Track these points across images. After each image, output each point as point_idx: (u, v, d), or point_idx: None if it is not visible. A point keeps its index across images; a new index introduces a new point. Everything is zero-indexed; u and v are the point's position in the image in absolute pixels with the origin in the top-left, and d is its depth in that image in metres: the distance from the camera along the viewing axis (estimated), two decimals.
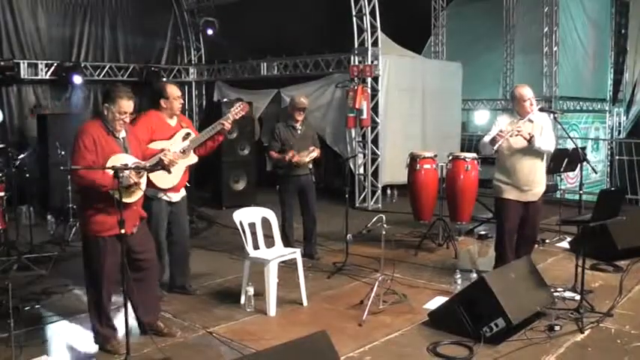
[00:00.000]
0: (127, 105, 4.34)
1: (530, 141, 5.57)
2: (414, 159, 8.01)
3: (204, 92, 14.14)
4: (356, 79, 10.48)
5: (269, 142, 7.17)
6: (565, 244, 7.82)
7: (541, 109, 5.92)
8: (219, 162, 10.52)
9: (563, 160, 8.05)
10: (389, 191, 11.55)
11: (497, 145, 5.64)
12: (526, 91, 5.80)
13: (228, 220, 8.87)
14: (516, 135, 5.64)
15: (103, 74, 12.06)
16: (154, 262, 4.74)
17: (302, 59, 11.82)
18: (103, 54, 12.19)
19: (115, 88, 4.36)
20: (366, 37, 10.47)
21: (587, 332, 4.85)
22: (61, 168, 4.63)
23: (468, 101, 14.38)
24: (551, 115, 6.15)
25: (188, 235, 5.86)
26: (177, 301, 5.65)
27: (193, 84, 14.02)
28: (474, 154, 7.98)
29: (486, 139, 5.74)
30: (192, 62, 13.98)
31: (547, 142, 5.67)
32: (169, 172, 4.94)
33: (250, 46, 12.44)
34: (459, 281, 5.97)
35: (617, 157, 13.98)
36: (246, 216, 5.68)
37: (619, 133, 15.85)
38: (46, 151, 9.41)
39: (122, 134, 4.44)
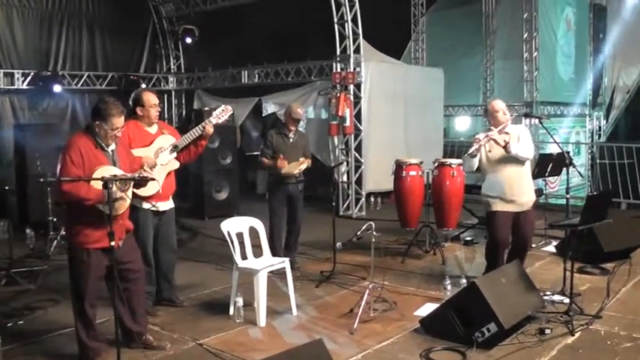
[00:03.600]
0: (119, 121, 4.34)
1: (505, 148, 5.62)
2: (399, 166, 8.06)
3: (183, 101, 14.11)
4: (338, 86, 10.52)
5: (261, 149, 7.18)
6: (551, 248, 7.90)
7: (526, 115, 6.08)
8: (200, 171, 10.47)
9: (548, 164, 8.13)
10: (373, 199, 11.59)
11: (476, 155, 5.70)
12: (496, 103, 5.90)
13: (211, 231, 9.00)
14: (489, 141, 5.70)
15: (81, 83, 11.99)
16: (141, 272, 4.71)
17: (283, 67, 11.84)
18: (80, 63, 12.10)
19: (105, 104, 4.32)
20: (348, 44, 10.54)
21: (577, 334, 4.93)
22: (40, 180, 4.59)
23: (448, 107, 14.49)
24: (534, 120, 6.22)
25: (176, 247, 5.82)
26: (166, 314, 5.63)
27: (173, 93, 14.01)
28: (460, 160, 7.95)
29: (465, 156, 5.83)
30: (172, 70, 13.96)
31: (524, 149, 5.71)
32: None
33: (231, 54, 12.45)
34: (449, 287, 6.01)
35: (598, 161, 14.15)
36: (234, 226, 5.67)
37: (599, 137, 16.03)
38: (24, 163, 9.26)
39: (112, 147, 4.43)
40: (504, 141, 5.64)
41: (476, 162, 5.79)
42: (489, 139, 5.69)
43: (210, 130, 5.48)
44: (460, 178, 7.83)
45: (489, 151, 5.79)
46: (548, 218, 8.17)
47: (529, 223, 5.90)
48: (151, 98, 5.44)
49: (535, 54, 12.89)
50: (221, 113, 5.59)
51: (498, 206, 5.81)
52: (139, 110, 5.38)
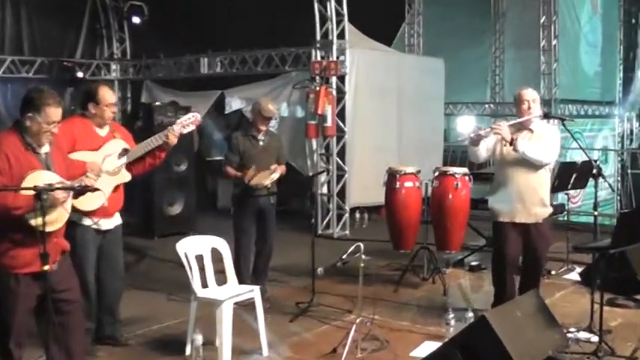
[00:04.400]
0: (56, 113, 4.26)
1: (511, 143, 5.80)
2: (392, 176, 8.10)
3: (129, 94, 14.07)
4: (318, 78, 10.54)
5: (224, 154, 7.16)
6: (575, 276, 7.98)
7: (546, 115, 6.15)
8: (149, 180, 10.30)
9: (571, 175, 8.21)
10: (358, 214, 11.63)
11: (476, 144, 5.91)
12: (525, 92, 6.06)
13: (163, 253, 8.96)
14: (493, 133, 5.89)
15: (2, 70, 11.90)
16: (79, 303, 4.63)
17: (252, 54, 11.83)
18: (2, 45, 12.01)
19: (40, 93, 4.25)
20: (330, 28, 10.58)
21: None
22: None
23: (449, 105, 14.58)
24: (556, 122, 6.32)
25: (122, 273, 5.77)
26: (107, 355, 5.54)
27: (116, 83, 13.90)
28: (465, 169, 8.11)
29: (469, 141, 6.01)
30: (115, 56, 13.91)
31: (538, 150, 5.85)
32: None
33: (188, 38, 12.44)
34: (452, 322, 6.01)
35: (629, 171, 14.39)
36: (193, 247, 5.65)
37: (631, 142, 16.24)
38: None
39: (45, 148, 4.34)
40: (511, 136, 5.80)
41: (481, 152, 5.99)
42: (493, 131, 5.89)
43: (173, 140, 5.45)
44: (465, 191, 7.88)
45: (505, 145, 5.95)
46: (571, 239, 8.22)
47: (543, 239, 6.03)
48: (107, 95, 5.42)
49: (554, 42, 12.98)
50: (188, 121, 5.55)
51: (505, 216, 5.98)
52: (91, 107, 5.35)
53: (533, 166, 5.89)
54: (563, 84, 13.22)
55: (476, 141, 5.92)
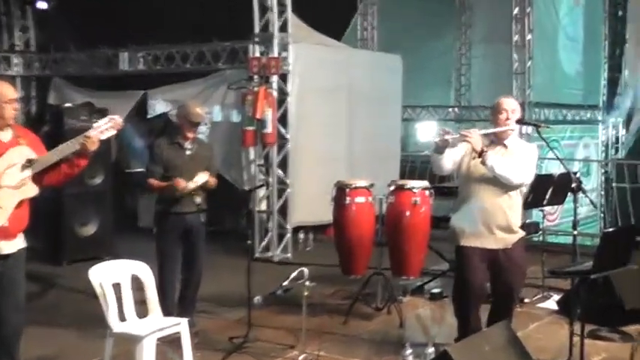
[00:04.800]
0: None
1: (480, 155, 5.80)
2: (341, 190, 8.15)
3: (33, 93, 13.95)
4: (257, 77, 10.60)
5: (146, 165, 7.15)
6: (552, 304, 8.04)
7: (519, 121, 6.17)
8: (58, 196, 10.18)
9: (547, 189, 8.28)
10: (302, 235, 11.71)
11: (441, 151, 5.87)
12: (505, 101, 6.08)
13: (73, 281, 8.78)
14: (462, 140, 5.91)
15: None
16: None
17: (179, 49, 11.86)
18: None
19: None
20: (271, 19, 10.64)
21: None
22: None
23: (407, 109, 14.69)
24: (527, 129, 6.36)
25: (23, 306, 5.52)
26: None
27: (18, 80, 13.68)
28: (425, 183, 8.20)
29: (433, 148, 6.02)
30: (16, 48, 13.77)
31: (510, 168, 5.84)
32: None
33: (104, 29, 12.36)
34: (410, 358, 6.09)
35: (615, 185, 14.56)
36: (109, 274, 5.60)
37: (616, 152, 16.44)
38: None
39: None
40: (482, 147, 5.80)
41: (446, 163, 5.97)
42: (462, 138, 5.88)
43: (91, 146, 5.24)
44: (425, 208, 7.96)
45: (473, 158, 5.97)
46: (548, 263, 8.28)
47: (515, 266, 6.02)
48: (6, 90, 5.26)
49: (528, 37, 13.13)
50: (107, 126, 5.32)
51: (469, 239, 5.99)
52: None
53: (503, 185, 5.88)
54: (539, 85, 13.35)
55: (441, 148, 5.87)
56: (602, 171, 15.84)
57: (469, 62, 14.97)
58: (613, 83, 16.34)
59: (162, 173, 7.00)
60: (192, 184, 6.88)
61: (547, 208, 9.28)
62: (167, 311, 6.54)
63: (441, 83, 15.36)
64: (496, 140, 6.00)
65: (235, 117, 11.75)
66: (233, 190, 10.95)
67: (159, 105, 12.52)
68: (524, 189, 6.43)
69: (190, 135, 7.08)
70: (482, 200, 5.95)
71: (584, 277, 5.51)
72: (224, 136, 11.73)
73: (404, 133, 14.74)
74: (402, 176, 12.70)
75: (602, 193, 15.61)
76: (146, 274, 5.87)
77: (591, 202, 7.55)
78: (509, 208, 5.99)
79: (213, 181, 7.16)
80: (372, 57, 13.43)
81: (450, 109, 15.41)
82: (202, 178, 6.93)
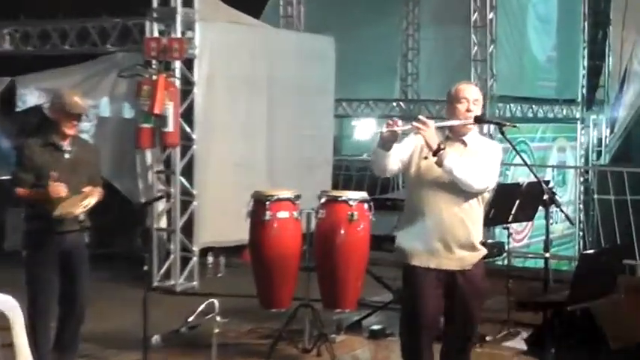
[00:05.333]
0: None
1: (436, 153, 5.71)
2: (260, 203, 8.19)
3: None
4: (155, 62, 10.61)
5: (13, 171, 7.02)
6: (519, 343, 8.10)
7: (477, 119, 6.07)
8: None
9: (513, 202, 8.38)
10: (211, 259, 11.79)
11: (387, 145, 5.75)
12: (466, 88, 6.06)
13: None
14: (414, 133, 5.84)
15: None
16: None
17: (57, 25, 11.78)
18: None
19: None
20: None
21: None
22: None
23: (342, 103, 14.84)
24: (489, 128, 6.40)
25: None
26: None
27: None
28: (363, 194, 8.30)
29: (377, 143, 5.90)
30: None
31: (471, 171, 5.79)
32: None
33: None
34: None
35: (596, 196, 14.98)
36: None
37: (598, 157, 16.78)
38: None
39: None
40: (439, 144, 5.72)
41: (391, 162, 5.87)
42: (417, 129, 5.74)
43: None
44: (364, 225, 8.06)
45: (425, 157, 5.91)
46: (514, 292, 8.37)
47: (476, 292, 6.02)
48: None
49: (490, 16, 13.38)
50: None
51: (419, 259, 5.95)
52: None
53: (462, 192, 5.83)
54: (504, 74, 13.57)
55: (388, 142, 5.73)
56: (581, 180, 16.12)
57: (417, 46, 15.12)
58: (594, 73, 16.59)
59: (34, 182, 6.84)
60: (79, 209, 6.80)
61: (513, 226, 9.36)
62: (40, 355, 6.52)
63: (383, 72, 15.50)
64: (453, 136, 5.96)
65: (128, 112, 11.72)
66: (125, 202, 10.93)
67: (30, 96, 12.26)
68: (487, 196, 6.35)
69: (69, 132, 6.95)
70: (438, 210, 5.89)
71: (558, 309, 5.55)
72: (113, 135, 11.68)
73: (338, 132, 14.84)
74: (336, 186, 12.84)
75: (581, 206, 15.85)
76: (13, 309, 5.74)
77: (567, 217, 7.61)
78: (471, 220, 5.97)
79: (99, 193, 7.03)
80: (299, 39, 13.40)
81: (395, 104, 15.56)
82: (90, 201, 6.84)
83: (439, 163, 5.72)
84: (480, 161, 5.86)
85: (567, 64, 16.22)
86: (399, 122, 5.74)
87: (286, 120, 12.16)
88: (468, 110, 5.91)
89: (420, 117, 5.86)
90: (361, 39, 14.75)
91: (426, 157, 5.87)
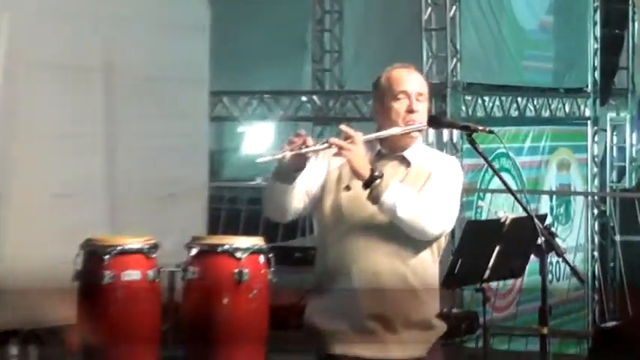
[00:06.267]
0: None
1: (370, 183, 5.53)
2: (94, 257, 8.34)
3: None
4: None
5: None
6: None
7: (434, 122, 6.14)
8: None
9: (491, 250, 8.36)
10: (16, 348, 11.31)
11: (287, 173, 5.63)
12: (402, 76, 5.94)
13: None
14: (335, 154, 5.70)
15: None
16: None
17: None
18: None
19: None
20: None
21: None
22: None
23: (222, 98, 14.97)
24: (452, 135, 6.17)
25: None
26: None
27: None
28: (257, 240, 8.67)
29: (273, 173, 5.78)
30: None
31: (421, 206, 5.69)
32: None
33: None
34: None
35: (617, 238, 15.08)
36: None
37: (620, 177, 17.05)
38: None
39: None
40: (370, 167, 5.58)
41: (294, 198, 5.75)
42: (337, 147, 5.58)
43: None
44: (259, 289, 8.37)
45: (347, 188, 5.75)
46: None
47: None
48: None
49: None
50: None
51: (344, 343, 5.85)
52: None
53: (408, 240, 5.72)
54: (472, 51, 13.90)
55: (288, 170, 5.61)
56: (595, 212, 16.25)
57: (340, 9, 15.22)
58: (611, 47, 16.85)
59: None
60: None
61: (492, 286, 9.48)
62: None
63: (286, 50, 15.77)
64: (387, 151, 5.87)
65: None
66: None
67: None
68: (444, 242, 6.14)
69: None
70: (370, 268, 5.76)
71: None
72: None
73: (216, 144, 15.04)
74: (214, 227, 12.80)
75: (596, 253, 16.03)
76: None
77: (574, 272, 7.35)
78: (422, 282, 5.87)
79: None
80: (152, 7, 13.13)
81: (304, 98, 15.60)
82: None
83: (374, 199, 5.57)
84: (433, 190, 5.77)
85: (570, 34, 16.45)
86: (309, 140, 5.59)
87: (134, 125, 11.92)
88: (410, 111, 5.79)
89: (343, 127, 5.82)
90: (254, 5, 15.24)
91: (348, 188, 5.75)
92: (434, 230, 5.67)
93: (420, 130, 5.86)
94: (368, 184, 5.48)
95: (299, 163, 5.53)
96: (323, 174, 5.83)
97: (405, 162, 5.82)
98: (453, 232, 7.09)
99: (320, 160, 5.82)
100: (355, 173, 5.53)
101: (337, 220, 5.81)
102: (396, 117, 5.75)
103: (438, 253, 6.00)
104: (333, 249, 5.89)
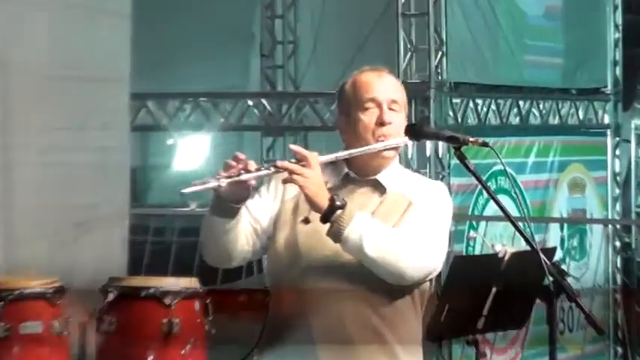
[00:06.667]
0: None
1: (328, 217, 5.45)
2: None
3: None
4: None
5: None
6: None
7: (414, 132, 6.00)
8: None
9: (486, 293, 8.11)
10: None
11: (234, 214, 5.67)
12: (371, 80, 5.99)
13: None
14: (283, 181, 5.69)
15: None
16: None
17: None
18: None
19: None
20: None
21: None
22: None
23: (147, 101, 14.97)
24: (441, 148, 5.86)
25: None
26: None
27: None
28: (192, 281, 8.77)
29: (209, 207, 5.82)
30: None
31: (396, 244, 5.62)
32: None
33: None
34: None
35: None
36: None
37: None
38: None
39: None
40: (330, 195, 5.49)
41: (236, 239, 5.77)
42: (288, 172, 5.52)
43: None
44: (193, 344, 8.46)
45: (306, 220, 5.72)
46: None
47: None
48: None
49: None
50: None
51: None
52: None
53: (382, 285, 5.72)
54: (462, 46, 14.02)
55: (225, 201, 5.51)
56: (618, 245, 16.25)
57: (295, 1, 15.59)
58: (636, 39, 17.01)
59: None
60: None
61: (488, 338, 9.48)
62: None
63: (227, 42, 15.87)
64: (357, 175, 5.97)
65: None
66: None
67: None
68: (427, 287, 6.21)
69: None
70: (333, 320, 5.76)
71: None
72: None
73: (140, 159, 15.16)
74: (137, 265, 12.76)
75: (618, 297, 16.04)
76: None
77: (590, 320, 7.03)
78: (397, 337, 5.92)
79: None
80: None
81: (251, 102, 15.72)
82: None
83: (335, 235, 5.53)
84: (414, 223, 5.86)
85: (584, 21, 16.69)
86: (251, 163, 5.54)
87: (34, 136, 11.65)
88: (382, 123, 5.89)
89: (294, 147, 6.18)
90: None
91: (306, 220, 5.87)
92: (414, 273, 5.76)
93: (394, 149, 5.96)
94: (327, 216, 5.46)
95: (240, 192, 5.62)
96: (276, 205, 5.96)
97: (380, 188, 5.96)
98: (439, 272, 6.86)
99: (272, 188, 5.96)
100: (310, 203, 5.65)
101: (293, 260, 5.88)
102: (364, 131, 5.89)
103: (420, 300, 6.08)
104: (287, 295, 5.95)
